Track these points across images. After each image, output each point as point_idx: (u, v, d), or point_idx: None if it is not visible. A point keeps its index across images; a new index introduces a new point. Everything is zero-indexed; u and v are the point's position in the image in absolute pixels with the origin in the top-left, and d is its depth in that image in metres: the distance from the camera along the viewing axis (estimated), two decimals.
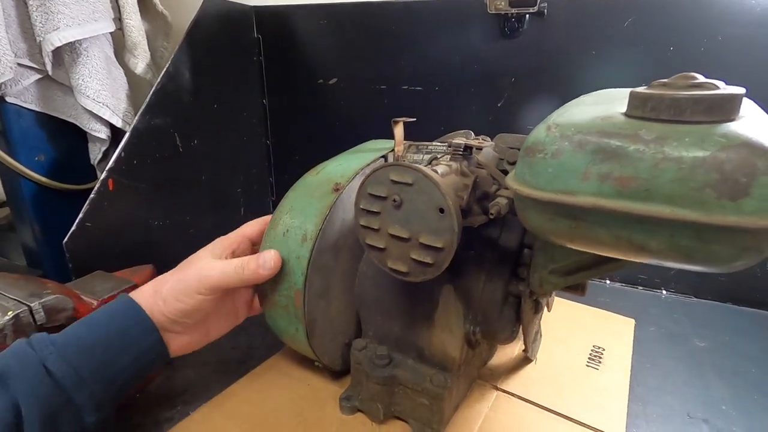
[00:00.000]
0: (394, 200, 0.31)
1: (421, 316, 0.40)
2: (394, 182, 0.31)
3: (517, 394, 0.47)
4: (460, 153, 0.36)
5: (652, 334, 0.61)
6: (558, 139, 0.23)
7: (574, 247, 0.26)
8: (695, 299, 0.70)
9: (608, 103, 0.28)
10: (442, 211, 0.30)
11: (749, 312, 0.67)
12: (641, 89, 0.24)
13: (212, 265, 0.38)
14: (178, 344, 0.39)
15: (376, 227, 0.33)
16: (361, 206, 0.33)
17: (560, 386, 0.48)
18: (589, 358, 0.53)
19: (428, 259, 0.31)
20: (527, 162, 0.25)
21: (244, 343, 0.56)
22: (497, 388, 0.47)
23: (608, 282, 0.75)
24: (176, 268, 0.40)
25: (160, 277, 0.39)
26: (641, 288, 0.73)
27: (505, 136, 0.39)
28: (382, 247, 0.33)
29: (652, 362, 0.55)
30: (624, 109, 0.25)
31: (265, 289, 0.41)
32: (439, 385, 0.38)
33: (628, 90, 0.25)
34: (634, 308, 0.67)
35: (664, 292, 0.72)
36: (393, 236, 0.32)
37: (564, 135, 0.23)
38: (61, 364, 0.31)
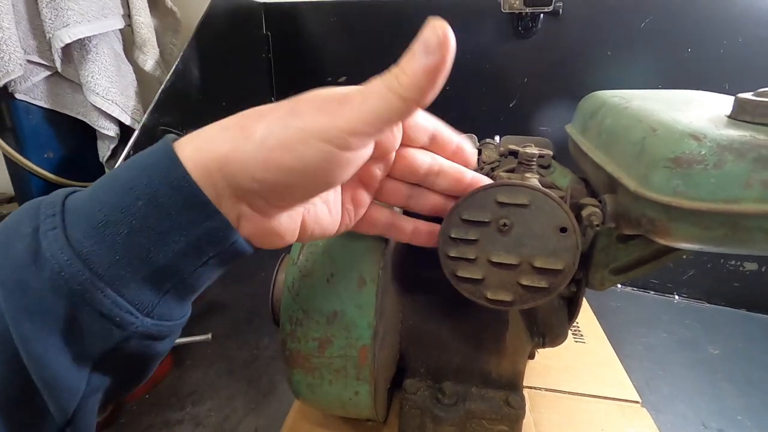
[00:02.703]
0: (504, 224, 0.29)
1: (489, 340, 0.37)
2: (503, 204, 0.28)
3: (544, 387, 0.48)
4: (535, 163, 0.35)
5: (664, 340, 0.60)
6: (716, 149, 0.24)
7: (717, 251, 0.27)
8: (708, 305, 0.69)
9: (684, 107, 0.30)
10: (563, 230, 0.28)
11: (763, 318, 0.66)
12: (761, 98, 0.25)
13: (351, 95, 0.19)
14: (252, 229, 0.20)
15: (471, 257, 0.30)
16: (451, 235, 0.29)
17: (570, 368, 0.51)
18: (572, 334, 0.57)
19: (543, 284, 0.29)
20: (680, 174, 0.25)
21: (252, 342, 0.56)
22: (523, 387, 0.48)
23: (620, 287, 0.74)
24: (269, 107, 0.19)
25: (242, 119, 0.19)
26: (653, 293, 0.72)
27: (510, 138, 0.39)
28: (479, 278, 0.30)
29: (663, 369, 0.54)
30: (716, 113, 0.27)
31: (300, 350, 0.32)
32: (519, 407, 0.36)
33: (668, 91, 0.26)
34: (646, 313, 0.67)
35: (677, 297, 0.71)
36: (495, 264, 0.29)
37: (721, 145, 0.24)
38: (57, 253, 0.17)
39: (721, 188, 0.24)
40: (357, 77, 0.78)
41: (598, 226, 0.30)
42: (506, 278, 0.30)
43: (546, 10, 0.63)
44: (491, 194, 0.29)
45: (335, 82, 0.85)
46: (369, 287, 0.32)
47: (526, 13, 0.65)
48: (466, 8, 0.71)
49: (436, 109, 0.85)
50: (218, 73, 0.78)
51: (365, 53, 0.82)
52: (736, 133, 0.25)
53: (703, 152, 0.25)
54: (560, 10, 0.64)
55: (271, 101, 0.92)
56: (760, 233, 0.25)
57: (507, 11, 0.66)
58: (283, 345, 0.34)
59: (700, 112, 0.29)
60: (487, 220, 0.29)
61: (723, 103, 0.32)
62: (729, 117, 0.28)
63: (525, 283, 0.30)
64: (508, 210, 0.29)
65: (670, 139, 0.26)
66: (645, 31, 0.63)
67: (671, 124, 0.27)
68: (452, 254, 0.30)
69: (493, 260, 0.30)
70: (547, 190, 0.28)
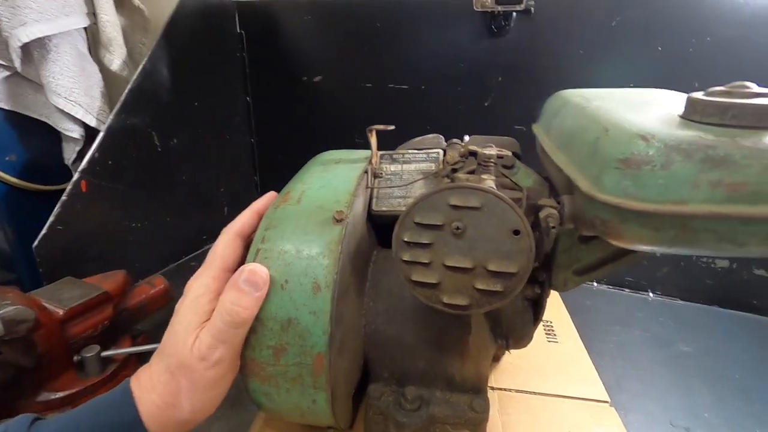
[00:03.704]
0: (457, 228, 0.28)
1: (452, 343, 0.36)
2: (456, 207, 0.28)
3: (514, 388, 0.48)
4: (493, 164, 0.34)
5: (638, 338, 0.60)
6: (664, 150, 0.24)
7: (670, 252, 0.26)
8: (681, 302, 0.70)
9: (640, 107, 0.30)
10: (517, 233, 0.28)
11: (735, 315, 0.67)
12: (710, 98, 0.25)
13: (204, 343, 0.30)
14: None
15: (426, 261, 0.29)
16: (405, 239, 0.29)
17: (541, 368, 0.50)
18: (545, 334, 0.57)
19: (497, 287, 0.29)
20: (629, 175, 0.24)
21: None
22: (493, 388, 0.48)
23: (595, 284, 0.74)
24: (165, 355, 0.30)
25: (159, 382, 0.30)
26: (628, 291, 0.73)
27: (477, 138, 0.38)
28: (434, 282, 0.30)
29: (635, 367, 0.54)
30: (669, 113, 0.27)
31: (255, 359, 0.32)
32: (483, 410, 0.35)
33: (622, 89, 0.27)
34: (621, 311, 0.67)
35: (651, 294, 0.71)
36: (450, 268, 0.29)
37: (669, 146, 0.24)
38: None
39: (669, 189, 0.24)
40: (332, 76, 0.77)
41: (554, 227, 0.30)
42: (461, 282, 0.29)
43: (517, 8, 0.63)
44: (444, 197, 0.28)
45: (310, 81, 0.84)
46: (324, 293, 0.31)
47: (499, 11, 0.65)
48: (439, 7, 0.70)
49: (413, 109, 0.84)
50: (190, 73, 0.76)
51: (341, 52, 0.81)
52: (684, 134, 0.24)
53: (651, 153, 0.24)
54: (532, 9, 0.64)
55: (246, 101, 0.91)
56: (708, 234, 0.24)
57: (479, 10, 0.65)
58: None
59: (654, 112, 0.29)
60: (439, 224, 0.28)
61: (681, 103, 0.32)
62: (681, 117, 0.27)
63: (480, 286, 0.29)
64: (461, 213, 0.28)
65: (620, 140, 0.26)
66: (616, 30, 0.63)
67: (622, 125, 0.27)
68: (406, 258, 0.30)
69: (448, 264, 0.29)
70: (499, 193, 0.28)
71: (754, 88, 0.25)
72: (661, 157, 0.24)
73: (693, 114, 0.26)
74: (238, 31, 0.86)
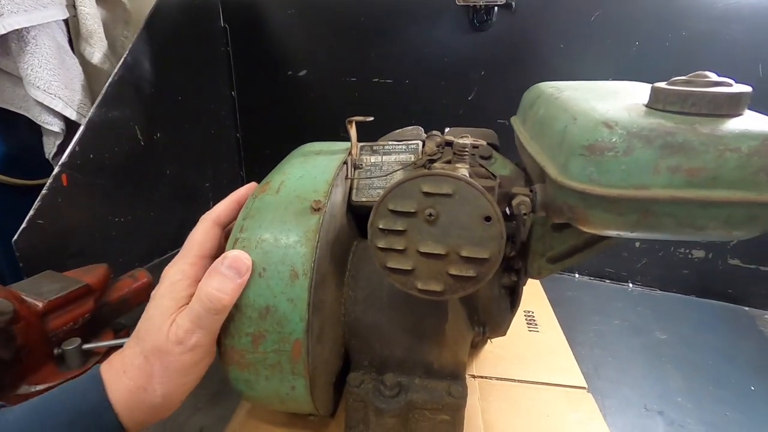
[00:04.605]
0: (430, 214, 0.29)
1: (429, 331, 0.37)
2: (428, 194, 0.28)
3: (495, 376, 0.49)
4: (467, 153, 0.35)
5: (616, 328, 0.62)
6: (626, 136, 0.25)
7: (634, 237, 0.27)
8: (660, 292, 0.72)
9: (610, 96, 0.31)
10: (488, 219, 0.28)
11: (711, 304, 0.69)
12: (671, 87, 0.26)
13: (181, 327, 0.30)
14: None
15: (400, 248, 0.30)
16: (380, 226, 0.30)
17: (521, 356, 0.52)
18: (527, 323, 0.58)
19: (470, 273, 0.29)
20: (593, 161, 0.25)
21: None
22: (474, 377, 0.48)
23: (577, 276, 0.75)
24: (140, 339, 0.30)
25: (132, 365, 0.29)
26: (608, 281, 0.74)
27: (456, 129, 0.39)
28: (408, 268, 0.30)
29: (613, 355, 0.56)
30: (635, 102, 0.28)
31: (234, 346, 0.32)
32: (460, 396, 0.36)
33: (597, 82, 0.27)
34: (601, 302, 0.68)
35: (631, 285, 0.73)
36: (424, 254, 0.30)
37: (631, 132, 0.25)
38: None
39: (630, 175, 0.25)
40: (317, 70, 0.76)
41: (525, 214, 0.31)
42: (435, 268, 0.30)
43: (499, 2, 0.64)
44: (416, 184, 0.29)
45: (296, 76, 0.84)
46: (301, 281, 0.31)
47: (481, 5, 0.65)
48: (422, 2, 0.71)
49: (398, 103, 0.85)
50: (173, 67, 0.76)
51: (325, 47, 0.81)
52: (646, 121, 0.25)
53: (614, 139, 0.25)
54: (513, 3, 0.65)
55: (231, 95, 0.90)
56: (668, 218, 0.25)
57: (462, 4, 0.66)
58: (217, 341, 0.33)
59: (621, 101, 0.30)
60: (413, 210, 0.29)
61: (648, 93, 0.33)
62: (646, 106, 0.28)
63: (453, 272, 0.30)
64: (434, 200, 0.29)
65: (585, 127, 0.26)
66: (595, 24, 0.64)
67: (589, 113, 0.27)
68: (381, 245, 0.30)
69: (422, 250, 0.30)
70: (470, 180, 0.28)
71: (713, 77, 0.26)
72: (624, 143, 0.25)
73: (656, 103, 0.27)
74: (222, 25, 0.85)
